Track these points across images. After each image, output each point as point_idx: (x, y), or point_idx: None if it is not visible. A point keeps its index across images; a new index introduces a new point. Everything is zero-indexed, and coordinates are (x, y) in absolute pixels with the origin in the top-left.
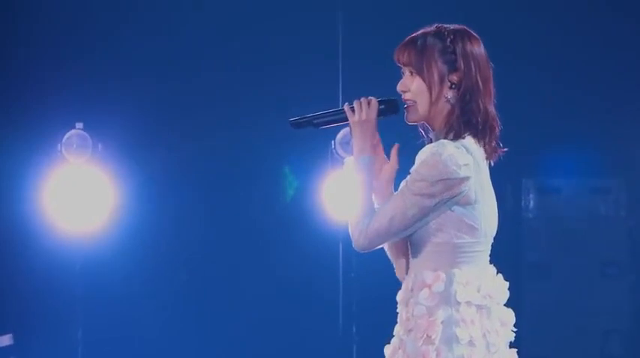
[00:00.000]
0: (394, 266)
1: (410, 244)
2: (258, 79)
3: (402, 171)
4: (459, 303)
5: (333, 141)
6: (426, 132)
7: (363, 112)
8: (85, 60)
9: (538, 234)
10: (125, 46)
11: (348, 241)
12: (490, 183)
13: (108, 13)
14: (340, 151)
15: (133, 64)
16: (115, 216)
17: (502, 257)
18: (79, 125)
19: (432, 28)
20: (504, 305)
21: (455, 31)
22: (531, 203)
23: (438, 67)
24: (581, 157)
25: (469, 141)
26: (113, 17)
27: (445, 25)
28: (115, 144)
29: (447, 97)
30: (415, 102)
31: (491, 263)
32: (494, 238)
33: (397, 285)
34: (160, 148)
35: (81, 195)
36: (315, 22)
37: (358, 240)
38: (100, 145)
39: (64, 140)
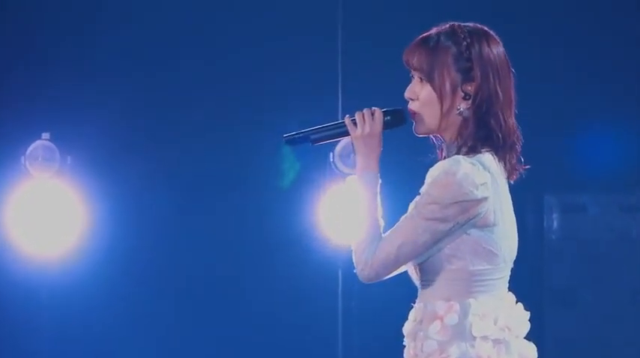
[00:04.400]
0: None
1: (419, 271)
2: (249, 84)
3: (412, 190)
4: (474, 338)
5: (331, 154)
6: (439, 144)
7: (366, 125)
8: (51, 62)
9: (562, 258)
10: (96, 47)
11: (348, 266)
12: (510, 202)
13: (76, 11)
14: (339, 165)
15: (105, 67)
16: (86, 238)
17: (522, 283)
18: (45, 135)
19: (447, 27)
20: (525, 338)
21: (472, 33)
22: (554, 223)
23: (451, 75)
24: (610, 170)
25: (487, 155)
26: (82, 15)
27: (461, 25)
28: (85, 156)
29: (459, 109)
30: (423, 112)
31: (509, 290)
32: (513, 263)
33: (404, 317)
34: (136, 161)
35: (47, 214)
36: (314, 25)
37: (363, 270)
38: (68, 158)
39: (28, 152)
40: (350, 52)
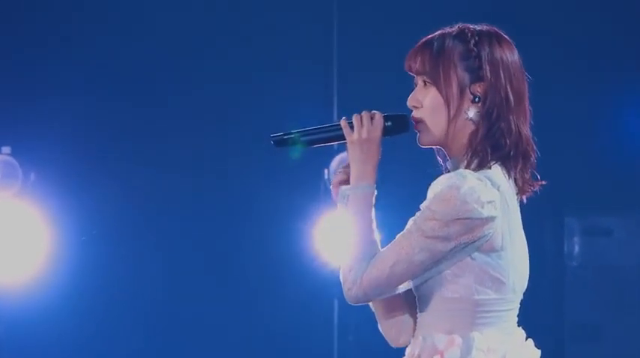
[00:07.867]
0: (379, 322)
1: (418, 299)
2: (231, 90)
3: (412, 206)
4: None
5: (326, 170)
6: (444, 159)
7: (364, 129)
8: (12, 70)
9: (585, 287)
10: (62, 57)
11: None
12: (521, 224)
13: (38, 23)
14: None
15: (72, 76)
16: (51, 262)
17: (541, 315)
18: (6, 149)
19: (453, 28)
20: None
21: (481, 32)
22: (576, 248)
23: (458, 74)
24: (638, 189)
25: (496, 171)
26: (44, 27)
27: (469, 25)
28: (50, 172)
29: (467, 114)
30: (428, 119)
31: (519, 325)
32: (530, 292)
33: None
34: (105, 179)
35: (8, 237)
36: (309, 29)
37: (350, 290)
38: (32, 175)
39: None
40: (347, 53)
